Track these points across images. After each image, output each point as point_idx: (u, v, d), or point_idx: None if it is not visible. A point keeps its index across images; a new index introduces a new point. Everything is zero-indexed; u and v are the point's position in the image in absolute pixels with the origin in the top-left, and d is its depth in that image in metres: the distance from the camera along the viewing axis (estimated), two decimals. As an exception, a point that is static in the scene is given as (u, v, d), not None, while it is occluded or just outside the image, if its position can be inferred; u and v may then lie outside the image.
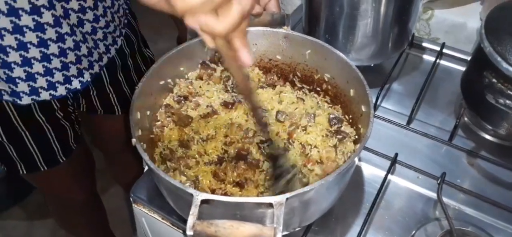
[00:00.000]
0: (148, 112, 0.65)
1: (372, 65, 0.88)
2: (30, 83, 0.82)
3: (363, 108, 0.64)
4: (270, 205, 0.48)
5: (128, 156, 1.29)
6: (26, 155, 0.95)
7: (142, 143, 0.57)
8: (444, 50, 0.95)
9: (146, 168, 0.73)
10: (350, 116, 0.69)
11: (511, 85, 0.66)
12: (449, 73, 0.93)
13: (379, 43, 0.82)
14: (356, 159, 0.56)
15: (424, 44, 0.98)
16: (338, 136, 0.65)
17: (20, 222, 1.71)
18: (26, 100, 0.84)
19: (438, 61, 0.94)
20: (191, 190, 0.49)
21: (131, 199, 0.68)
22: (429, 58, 0.96)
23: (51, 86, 0.84)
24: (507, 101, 0.64)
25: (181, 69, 0.72)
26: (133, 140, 0.55)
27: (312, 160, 0.62)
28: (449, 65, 0.95)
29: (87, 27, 0.84)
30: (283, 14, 0.74)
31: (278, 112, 0.69)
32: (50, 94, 0.86)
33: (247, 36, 0.48)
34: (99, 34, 0.88)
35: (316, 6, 0.83)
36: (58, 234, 1.64)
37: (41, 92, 0.84)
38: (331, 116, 0.68)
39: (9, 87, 0.81)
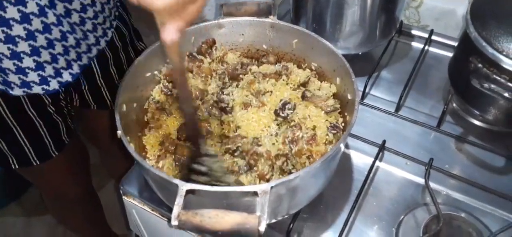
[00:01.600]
0: (134, 105, 0.65)
1: (360, 53, 0.88)
2: (21, 76, 0.81)
3: (349, 96, 0.64)
4: (255, 193, 0.48)
5: (122, 151, 1.29)
6: (18, 150, 0.95)
7: (127, 137, 0.57)
8: (433, 37, 0.96)
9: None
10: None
11: (497, 70, 0.66)
12: (438, 60, 0.93)
13: (367, 31, 0.83)
14: (342, 146, 0.56)
15: (413, 32, 0.99)
16: (332, 131, 0.64)
17: (18, 218, 1.71)
18: (17, 91, 0.84)
19: (426, 48, 0.94)
20: (176, 181, 0.49)
21: (120, 192, 0.68)
22: (417, 45, 0.96)
23: (43, 80, 0.84)
24: (492, 86, 0.64)
25: (168, 60, 0.72)
26: (119, 133, 0.55)
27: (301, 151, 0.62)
28: (438, 52, 0.95)
29: (75, 18, 0.83)
30: (269, 4, 0.74)
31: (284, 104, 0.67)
32: (42, 89, 0.85)
33: (188, 25, 0.49)
34: (88, 25, 0.87)
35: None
36: (56, 231, 1.64)
37: (33, 86, 0.84)
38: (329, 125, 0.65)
39: (0, 76, 0.81)
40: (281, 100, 0.66)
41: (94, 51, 0.92)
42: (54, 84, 0.86)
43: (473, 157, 0.75)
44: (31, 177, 1.15)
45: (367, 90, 0.84)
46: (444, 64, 0.86)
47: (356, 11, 0.79)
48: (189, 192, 0.48)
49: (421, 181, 0.71)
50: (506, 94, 0.63)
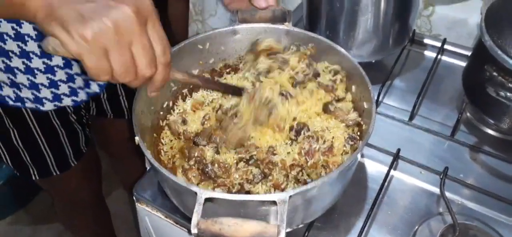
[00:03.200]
0: (150, 110, 0.65)
1: (373, 61, 0.88)
2: (53, 89, 0.83)
3: (366, 105, 0.64)
4: (274, 202, 0.48)
5: (135, 160, 1.30)
6: (40, 160, 0.96)
7: (144, 142, 0.57)
8: (446, 46, 0.95)
9: (148, 167, 0.73)
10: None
11: (510, 77, 0.65)
12: (451, 69, 0.93)
13: (380, 38, 0.83)
14: (359, 156, 0.56)
15: (425, 41, 0.98)
16: (350, 143, 0.64)
17: (24, 226, 1.72)
18: (48, 106, 0.85)
19: (439, 57, 0.94)
20: (194, 188, 0.49)
21: (134, 198, 0.69)
22: (430, 54, 0.96)
23: (73, 92, 0.85)
24: (508, 94, 0.64)
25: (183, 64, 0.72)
26: (137, 139, 0.55)
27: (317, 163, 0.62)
28: (451, 61, 0.95)
29: None
30: (284, 10, 0.74)
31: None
32: (72, 100, 0.87)
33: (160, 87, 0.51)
34: None
35: (317, 3, 0.83)
36: (63, 237, 1.65)
37: (63, 99, 0.85)
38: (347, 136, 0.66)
39: (32, 94, 0.82)
40: (295, 122, 0.65)
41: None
42: (82, 95, 0.87)
43: (487, 167, 0.75)
44: (46, 186, 1.16)
45: (380, 99, 0.84)
46: (457, 73, 0.86)
47: (369, 18, 0.79)
48: (207, 200, 0.48)
49: (436, 190, 0.70)
50: (523, 103, 0.63)
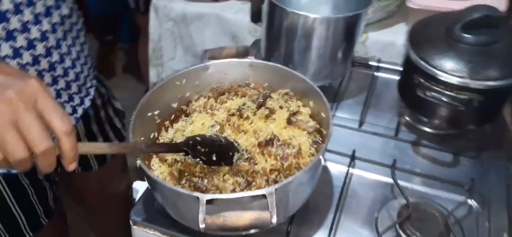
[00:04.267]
0: (142, 138, 0.73)
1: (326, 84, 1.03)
2: None
3: (323, 114, 0.77)
4: (264, 196, 0.58)
5: (107, 211, 1.32)
6: (12, 225, 0.95)
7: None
8: (380, 64, 1.13)
9: (138, 194, 0.80)
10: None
11: (434, 82, 0.81)
12: (387, 82, 1.10)
13: (328, 67, 0.96)
14: (323, 157, 0.68)
15: (363, 62, 1.15)
16: (314, 146, 0.76)
17: None
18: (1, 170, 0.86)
19: (376, 74, 1.11)
20: (196, 194, 0.58)
21: (130, 222, 0.75)
22: (369, 72, 1.13)
23: None
24: (433, 93, 0.80)
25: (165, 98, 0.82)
26: (138, 162, 0.63)
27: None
28: (386, 76, 1.12)
29: (61, 83, 0.89)
30: (246, 47, 0.87)
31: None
32: None
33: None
34: (74, 88, 0.93)
35: (274, 41, 0.95)
36: None
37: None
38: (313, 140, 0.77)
39: None
40: (268, 135, 0.77)
41: (80, 111, 0.98)
42: None
43: (427, 157, 0.90)
44: None
45: (333, 113, 0.98)
46: (393, 85, 1.02)
47: (320, 53, 0.93)
48: (208, 201, 0.57)
49: (389, 180, 0.84)
50: (444, 98, 0.79)
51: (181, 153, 0.71)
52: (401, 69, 0.98)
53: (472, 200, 0.80)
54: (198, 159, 0.70)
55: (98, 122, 1.06)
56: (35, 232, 0.99)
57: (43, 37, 0.82)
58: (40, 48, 0.82)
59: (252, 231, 0.67)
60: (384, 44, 1.24)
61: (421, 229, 0.73)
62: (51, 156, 0.52)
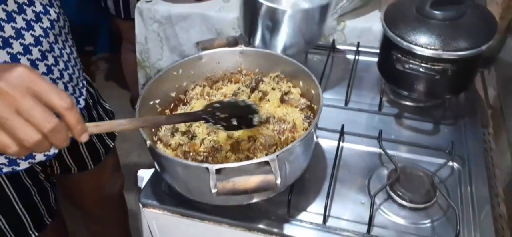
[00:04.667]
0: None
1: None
2: None
3: (313, 91, 0.83)
4: (267, 163, 0.64)
5: (104, 214, 1.34)
6: (18, 225, 0.96)
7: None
8: (360, 49, 1.20)
9: (144, 181, 0.84)
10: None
11: (411, 56, 0.89)
12: (367, 64, 1.17)
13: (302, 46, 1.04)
14: (315, 131, 0.74)
15: (343, 47, 1.23)
16: (307, 121, 0.82)
17: None
18: (23, 165, 0.89)
19: (357, 57, 1.18)
20: (205, 165, 0.63)
21: (140, 205, 0.79)
22: (350, 57, 1.20)
23: None
24: (410, 65, 0.87)
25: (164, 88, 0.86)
26: (148, 143, 0.68)
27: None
28: (366, 59, 1.19)
29: (60, 86, 0.92)
30: (235, 36, 0.92)
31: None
32: (44, 155, 0.91)
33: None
34: (70, 89, 0.96)
35: (253, 28, 1.02)
36: None
37: (35, 155, 0.90)
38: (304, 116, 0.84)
39: (5, 158, 0.86)
40: (264, 114, 0.82)
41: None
42: (53, 149, 0.93)
43: (410, 127, 0.97)
44: None
45: (320, 94, 1.04)
46: (373, 67, 1.09)
47: (293, 32, 1.00)
48: (217, 171, 0.62)
49: (377, 150, 0.90)
50: (421, 69, 0.86)
51: (201, 121, 0.72)
52: (379, 51, 1.05)
53: (454, 162, 0.88)
54: (218, 125, 0.71)
55: (91, 121, 1.09)
56: (39, 231, 1.00)
57: (37, 41, 0.85)
58: (35, 52, 0.84)
59: (255, 199, 0.73)
60: (361, 31, 1.31)
61: (410, 188, 0.80)
62: (61, 132, 0.53)
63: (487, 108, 1.14)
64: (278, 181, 0.61)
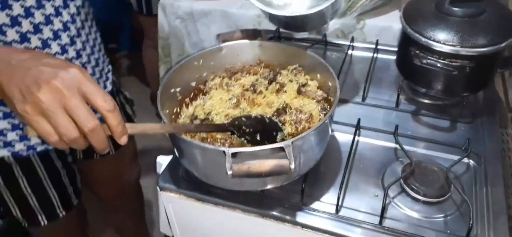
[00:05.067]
0: (167, 111, 0.81)
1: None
2: None
3: (330, 83, 0.84)
4: (282, 149, 0.65)
5: (122, 199, 1.38)
6: (47, 203, 1.02)
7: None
8: (379, 47, 1.20)
9: (162, 167, 0.87)
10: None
11: (429, 52, 0.89)
12: (386, 62, 1.17)
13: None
14: (334, 112, 0.76)
15: (362, 45, 1.23)
16: (323, 112, 0.84)
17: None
18: (40, 147, 0.94)
19: (375, 55, 1.19)
20: (222, 148, 0.65)
21: (158, 188, 0.82)
22: (368, 54, 1.20)
23: None
24: (428, 61, 0.87)
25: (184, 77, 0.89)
26: (163, 119, 0.71)
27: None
28: (385, 57, 1.19)
29: (89, 70, 0.97)
30: (255, 30, 0.95)
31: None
32: None
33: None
34: (97, 73, 1.01)
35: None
36: None
37: None
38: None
39: (38, 137, 0.91)
40: (281, 104, 0.84)
41: None
42: None
43: (426, 124, 0.97)
44: (40, 234, 1.20)
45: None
46: (391, 65, 1.10)
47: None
48: (233, 155, 0.64)
49: (393, 145, 0.91)
50: (438, 65, 0.86)
51: (227, 132, 0.76)
52: (396, 50, 1.05)
53: (469, 159, 0.88)
54: (243, 139, 0.75)
55: None
56: (66, 211, 1.06)
57: (66, 27, 0.89)
58: (64, 38, 0.89)
59: (270, 185, 0.75)
60: (381, 29, 1.32)
61: (424, 183, 0.80)
62: (99, 133, 0.58)
63: (508, 111, 1.13)
64: (292, 166, 0.63)
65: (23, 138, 0.90)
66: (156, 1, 1.57)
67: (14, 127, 0.89)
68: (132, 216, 1.53)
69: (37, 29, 0.84)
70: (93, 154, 1.15)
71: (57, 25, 0.87)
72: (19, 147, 0.91)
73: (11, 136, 0.90)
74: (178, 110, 0.86)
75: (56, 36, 0.88)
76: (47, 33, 0.86)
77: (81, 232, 1.26)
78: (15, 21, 0.80)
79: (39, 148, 0.93)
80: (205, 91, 0.91)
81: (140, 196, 1.50)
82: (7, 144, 0.90)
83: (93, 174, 1.26)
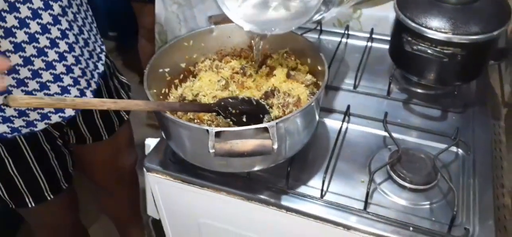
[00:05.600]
0: (154, 91, 0.81)
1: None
2: (39, 110, 0.90)
3: (320, 67, 0.84)
4: (266, 129, 0.65)
5: (117, 185, 1.38)
6: (35, 185, 1.00)
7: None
8: (374, 36, 1.20)
9: (150, 148, 0.87)
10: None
11: (421, 39, 0.88)
12: (381, 52, 1.16)
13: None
14: (321, 96, 0.75)
15: (357, 34, 1.22)
16: (311, 96, 0.83)
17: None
18: (40, 126, 0.93)
19: (370, 44, 1.18)
20: (205, 127, 0.65)
21: (144, 170, 0.82)
22: (363, 43, 1.19)
23: (59, 109, 0.93)
24: (420, 47, 0.87)
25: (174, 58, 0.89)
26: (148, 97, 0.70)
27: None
28: (379, 46, 1.18)
29: (80, 45, 0.95)
30: (247, 13, 0.94)
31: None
32: (59, 116, 0.94)
33: None
34: (85, 53, 0.99)
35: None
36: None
37: (51, 116, 0.93)
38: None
39: (23, 120, 0.90)
40: (269, 87, 0.84)
41: (96, 76, 1.04)
42: (69, 111, 0.96)
43: (417, 113, 0.96)
44: (33, 215, 1.18)
45: (329, 80, 1.05)
46: (386, 54, 1.09)
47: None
48: (217, 134, 0.64)
49: (382, 133, 0.90)
50: (430, 51, 0.86)
51: (214, 113, 0.76)
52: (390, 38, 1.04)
53: (458, 149, 0.87)
54: (228, 120, 0.75)
55: (108, 92, 1.12)
56: (55, 194, 1.05)
57: (47, 6, 0.84)
58: (46, 17, 0.84)
59: (256, 168, 0.75)
60: (377, 19, 1.30)
61: (411, 170, 0.80)
62: None
63: (502, 104, 1.13)
64: (275, 146, 0.63)
65: (6, 119, 0.89)
66: None
67: None
68: (126, 202, 1.52)
69: (13, 8, 0.80)
70: (85, 139, 1.13)
71: (37, 3, 0.83)
72: (3, 129, 0.90)
73: None
74: (167, 91, 0.86)
75: (35, 15, 0.83)
76: (24, 12, 0.81)
77: (71, 215, 1.26)
78: None
79: (24, 131, 0.92)
80: (195, 73, 0.91)
81: (136, 184, 1.49)
82: None
83: (87, 159, 1.25)
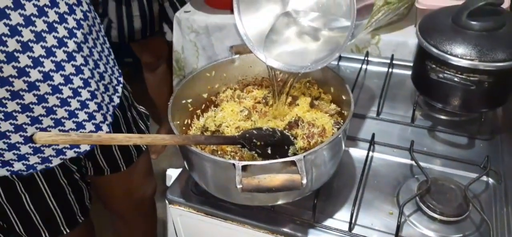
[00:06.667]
0: (177, 122, 0.80)
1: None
2: (54, 146, 0.89)
3: (344, 97, 0.83)
4: (293, 163, 0.64)
5: (134, 214, 1.36)
6: (51, 221, 0.99)
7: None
8: (394, 62, 1.19)
9: (172, 179, 0.86)
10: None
11: (445, 66, 0.87)
12: (401, 77, 1.15)
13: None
14: (347, 127, 0.74)
15: (377, 60, 1.21)
16: (336, 126, 0.82)
17: None
18: (55, 162, 0.92)
19: (390, 70, 1.17)
20: (232, 161, 0.64)
21: (166, 202, 0.81)
22: (383, 69, 1.18)
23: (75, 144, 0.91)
24: (445, 75, 0.85)
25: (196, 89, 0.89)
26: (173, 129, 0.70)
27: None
28: (400, 72, 1.17)
29: (96, 79, 0.95)
30: (268, 43, 0.93)
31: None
32: (74, 152, 0.93)
33: None
34: (101, 87, 0.97)
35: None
36: None
37: (66, 152, 0.92)
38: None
39: (38, 157, 0.89)
40: (293, 117, 0.83)
41: (111, 109, 1.03)
42: (84, 146, 0.95)
43: (443, 140, 0.94)
44: None
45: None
46: (407, 79, 1.08)
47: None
48: (243, 168, 0.63)
49: (408, 161, 0.88)
50: (456, 79, 0.84)
51: (238, 145, 0.75)
52: (411, 65, 1.03)
53: (488, 178, 0.84)
54: (253, 152, 0.74)
55: (126, 123, 1.11)
56: (71, 229, 1.04)
57: (61, 43, 0.83)
58: (60, 54, 0.83)
59: (281, 201, 0.73)
60: (396, 45, 1.30)
61: (441, 201, 0.77)
62: None
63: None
64: (304, 181, 0.61)
65: (21, 157, 0.88)
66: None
67: (10, 147, 0.86)
68: (142, 230, 1.51)
69: (26, 48, 0.77)
70: (103, 170, 1.12)
71: (51, 41, 0.81)
72: (18, 166, 0.89)
73: (8, 155, 0.87)
74: (189, 121, 0.85)
75: (49, 53, 0.81)
76: (38, 51, 0.79)
77: None
78: (15, 31, 0.75)
79: (39, 167, 0.91)
80: (216, 102, 0.91)
81: (154, 212, 1.47)
82: (6, 164, 0.88)
83: (105, 190, 1.23)
